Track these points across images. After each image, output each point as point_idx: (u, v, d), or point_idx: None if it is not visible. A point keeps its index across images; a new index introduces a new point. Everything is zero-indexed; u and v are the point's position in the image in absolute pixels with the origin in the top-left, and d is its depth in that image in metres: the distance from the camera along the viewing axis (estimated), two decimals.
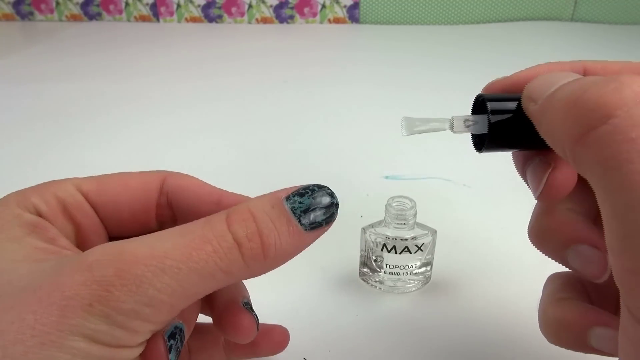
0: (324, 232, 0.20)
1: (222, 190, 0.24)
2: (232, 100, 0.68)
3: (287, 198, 0.20)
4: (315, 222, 0.20)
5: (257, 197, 0.20)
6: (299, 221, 0.20)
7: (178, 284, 0.18)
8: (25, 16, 1.09)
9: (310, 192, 0.20)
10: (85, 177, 0.23)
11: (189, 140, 0.56)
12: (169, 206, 0.24)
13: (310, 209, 0.20)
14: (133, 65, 0.83)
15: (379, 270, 0.33)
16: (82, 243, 0.23)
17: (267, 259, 0.19)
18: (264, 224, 0.19)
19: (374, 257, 0.33)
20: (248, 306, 0.24)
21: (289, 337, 0.28)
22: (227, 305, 0.23)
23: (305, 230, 0.20)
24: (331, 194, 0.20)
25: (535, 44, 0.90)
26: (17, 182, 0.25)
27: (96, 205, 0.23)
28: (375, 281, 0.33)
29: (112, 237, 0.24)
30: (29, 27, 1.06)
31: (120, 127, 0.60)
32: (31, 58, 0.86)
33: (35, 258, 0.19)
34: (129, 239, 0.19)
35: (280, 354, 0.28)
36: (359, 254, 0.34)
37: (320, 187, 0.21)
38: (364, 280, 0.34)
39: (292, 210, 0.20)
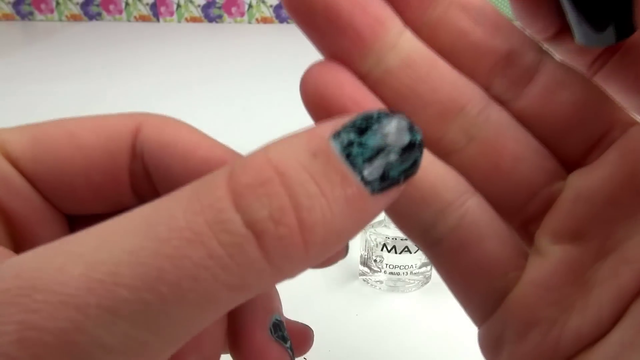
0: (401, 192, 0.12)
1: (229, 149, 0.16)
2: (233, 100, 0.68)
3: (337, 135, 0.11)
4: (389, 176, 0.12)
5: (282, 140, 0.12)
6: (362, 177, 0.11)
7: (141, 331, 0.10)
8: (25, 16, 1.09)
9: (375, 124, 0.12)
10: (10, 131, 0.15)
11: None
12: (147, 174, 0.16)
13: (380, 153, 0.11)
14: (133, 65, 0.83)
15: (379, 270, 0.33)
16: (19, 237, 0.15)
17: (310, 250, 0.11)
18: (302, 188, 0.11)
19: (374, 257, 0.33)
20: (278, 332, 0.17)
21: (312, 339, 0.20)
22: (246, 328, 0.16)
23: (373, 192, 0.11)
24: (410, 126, 0.12)
25: None
26: None
27: (34, 178, 0.15)
28: (375, 281, 0.33)
29: (70, 220, 0.17)
30: (29, 27, 1.06)
31: None
32: (31, 58, 0.86)
33: None
34: (30, 252, 0.11)
35: None
36: (359, 254, 0.34)
37: (390, 115, 0.12)
38: (364, 280, 0.34)
39: (348, 158, 0.11)
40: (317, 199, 0.11)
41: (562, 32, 0.14)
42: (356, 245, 0.35)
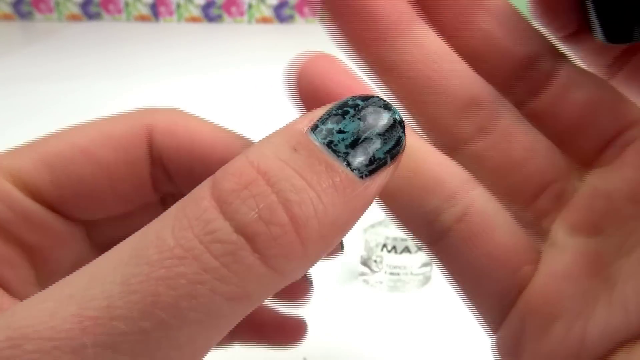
0: (392, 174, 0.12)
1: (241, 137, 0.16)
2: (232, 100, 0.68)
3: (314, 128, 0.11)
4: (376, 158, 0.11)
5: (261, 141, 0.11)
6: (347, 163, 0.11)
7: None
8: (24, 16, 1.09)
9: (351, 109, 0.11)
10: (20, 158, 0.15)
11: None
12: (168, 175, 0.16)
13: (361, 137, 0.11)
14: (133, 65, 0.83)
15: (379, 270, 0.33)
16: (41, 264, 0.15)
17: (308, 246, 0.11)
18: (287, 183, 0.10)
19: (374, 257, 0.33)
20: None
21: (306, 330, 0.21)
22: None
23: (362, 176, 0.11)
24: (387, 106, 0.12)
25: None
26: None
27: (57, 202, 0.15)
28: (375, 281, 0.33)
29: (94, 234, 0.17)
30: (29, 27, 1.06)
31: None
32: (31, 58, 0.86)
33: None
34: (23, 302, 0.10)
35: (280, 353, 0.28)
36: (359, 254, 0.34)
37: (364, 98, 0.12)
38: (364, 281, 0.34)
39: (329, 146, 0.11)
40: (306, 192, 0.10)
41: (581, 30, 0.14)
42: (356, 246, 0.35)
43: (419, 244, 0.15)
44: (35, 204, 0.15)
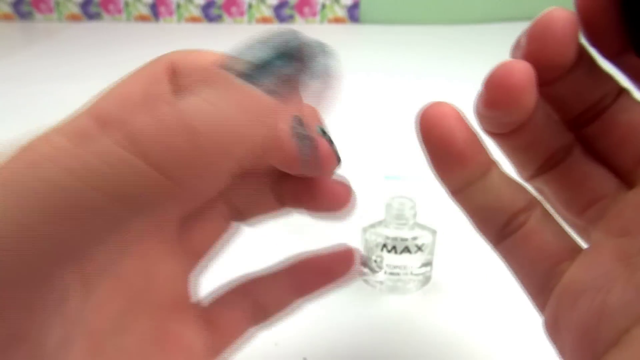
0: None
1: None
2: None
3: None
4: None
5: None
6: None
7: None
8: (24, 16, 1.09)
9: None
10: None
11: None
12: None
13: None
14: (133, 65, 0.82)
15: (378, 270, 0.33)
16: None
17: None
18: None
19: (374, 257, 0.33)
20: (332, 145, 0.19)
21: (352, 193, 0.21)
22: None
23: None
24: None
25: None
26: None
27: None
28: (375, 281, 0.33)
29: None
30: (29, 27, 1.06)
31: None
32: (31, 58, 0.86)
33: None
34: None
35: (280, 353, 0.28)
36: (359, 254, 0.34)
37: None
38: (364, 281, 0.34)
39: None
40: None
41: (626, 50, 0.17)
42: (356, 246, 0.35)
43: (488, 241, 0.20)
44: None
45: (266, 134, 0.14)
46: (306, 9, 1.07)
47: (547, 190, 0.20)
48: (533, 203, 0.19)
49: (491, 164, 0.19)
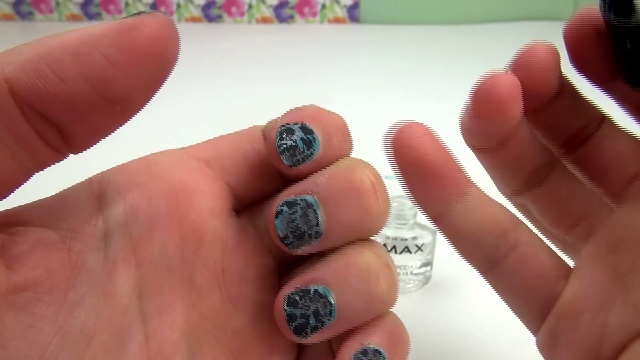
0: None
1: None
2: (232, 100, 0.68)
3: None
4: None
5: None
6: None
7: None
8: (25, 16, 1.09)
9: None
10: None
11: (188, 140, 0.56)
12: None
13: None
14: None
15: None
16: None
17: None
18: None
19: None
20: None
21: None
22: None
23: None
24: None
25: None
26: None
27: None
28: None
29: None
30: (29, 27, 1.06)
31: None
32: None
33: None
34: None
35: None
36: None
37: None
38: None
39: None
40: None
41: (614, 76, 0.18)
42: None
43: (478, 269, 0.19)
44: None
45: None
46: (306, 9, 1.07)
47: (533, 207, 0.20)
48: (517, 222, 0.19)
49: (469, 183, 0.18)
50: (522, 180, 0.20)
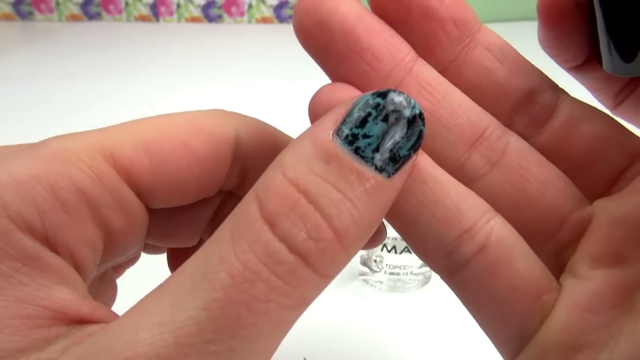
0: (414, 163, 0.13)
1: None
2: (233, 100, 0.68)
3: (340, 132, 0.12)
4: (400, 156, 0.12)
5: (291, 152, 0.12)
6: (375, 167, 0.12)
7: None
8: (25, 16, 1.09)
9: (372, 110, 0.12)
10: (119, 143, 0.15)
11: None
12: (241, 174, 0.17)
13: (386, 137, 0.12)
14: (133, 65, 0.83)
15: (379, 270, 0.33)
16: (110, 251, 0.15)
17: (349, 250, 0.12)
18: (326, 199, 0.12)
19: (374, 257, 0.33)
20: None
21: (385, 231, 0.18)
22: None
23: (389, 175, 0.12)
24: (407, 100, 0.12)
25: (535, 43, 0.90)
26: None
27: (151, 190, 0.15)
28: (375, 281, 0.33)
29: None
30: (29, 27, 1.06)
31: None
32: (31, 58, 0.86)
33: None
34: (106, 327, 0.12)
35: (281, 353, 0.28)
36: (359, 254, 0.34)
37: (385, 95, 0.12)
38: (364, 280, 0.34)
39: (357, 152, 0.12)
40: (343, 204, 0.12)
41: (590, 61, 0.15)
42: None
43: (437, 274, 0.15)
44: (129, 189, 0.15)
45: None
46: None
47: (636, 118, 0.16)
48: (488, 215, 0.14)
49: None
50: (620, 88, 0.16)
